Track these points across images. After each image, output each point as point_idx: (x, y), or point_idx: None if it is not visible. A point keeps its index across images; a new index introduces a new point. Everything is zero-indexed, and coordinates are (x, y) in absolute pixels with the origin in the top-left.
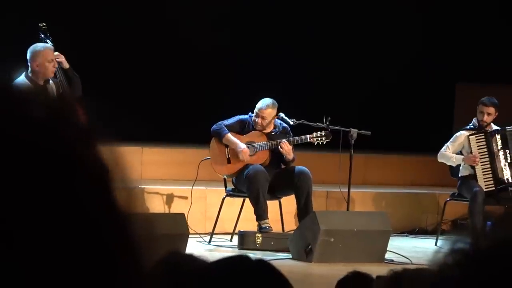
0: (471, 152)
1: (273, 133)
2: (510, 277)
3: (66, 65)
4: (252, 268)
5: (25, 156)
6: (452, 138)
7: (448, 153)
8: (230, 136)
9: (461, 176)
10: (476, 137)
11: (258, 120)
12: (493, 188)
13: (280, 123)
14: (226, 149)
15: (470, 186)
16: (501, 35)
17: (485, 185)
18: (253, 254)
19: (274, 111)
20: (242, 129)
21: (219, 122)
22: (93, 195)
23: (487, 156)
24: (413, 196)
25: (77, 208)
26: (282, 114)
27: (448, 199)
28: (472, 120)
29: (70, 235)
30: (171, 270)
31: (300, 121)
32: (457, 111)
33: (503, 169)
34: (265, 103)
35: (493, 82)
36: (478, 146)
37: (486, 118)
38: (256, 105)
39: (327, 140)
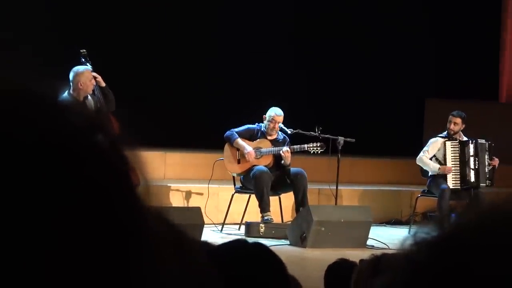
0: (444, 155)
1: (276, 140)
2: (463, 261)
3: (102, 83)
4: (250, 249)
5: (65, 157)
6: (428, 144)
7: (427, 160)
8: (239, 140)
9: (431, 175)
10: (451, 143)
11: (272, 124)
12: (459, 187)
13: (282, 134)
14: (237, 152)
15: (438, 184)
16: (467, 56)
17: (452, 184)
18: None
19: (282, 118)
20: (250, 136)
21: (231, 129)
22: (120, 191)
23: (458, 160)
24: (390, 193)
25: (106, 202)
26: (281, 125)
27: (419, 195)
28: (443, 129)
29: (100, 225)
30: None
31: (296, 130)
32: (427, 122)
33: (471, 172)
34: (279, 111)
35: (458, 98)
36: (452, 151)
37: (452, 126)
38: (269, 113)
39: (321, 150)
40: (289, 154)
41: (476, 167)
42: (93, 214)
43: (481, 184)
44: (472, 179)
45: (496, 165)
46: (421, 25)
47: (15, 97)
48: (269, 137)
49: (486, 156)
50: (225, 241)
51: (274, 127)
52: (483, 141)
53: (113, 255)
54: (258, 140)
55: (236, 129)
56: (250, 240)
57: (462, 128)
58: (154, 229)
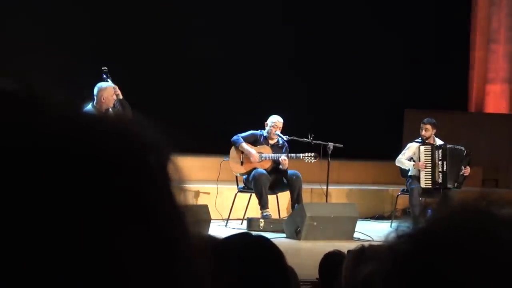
0: (419, 158)
1: (277, 145)
2: (435, 249)
3: (120, 96)
4: (254, 241)
5: (99, 161)
6: (406, 147)
7: (403, 160)
8: (244, 144)
9: (409, 175)
10: (425, 148)
11: (274, 130)
12: (430, 187)
13: (282, 139)
14: (241, 154)
15: (411, 183)
16: (441, 72)
17: (425, 184)
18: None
19: (282, 124)
20: (254, 141)
21: (238, 134)
22: (158, 191)
23: (430, 163)
24: (374, 191)
25: (145, 202)
26: (278, 132)
27: (399, 193)
28: (419, 135)
29: (143, 222)
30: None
31: (291, 137)
32: (405, 129)
33: (439, 174)
34: (279, 118)
35: (433, 108)
36: (425, 155)
37: (424, 133)
38: (271, 119)
39: (314, 160)
40: (286, 162)
41: (444, 169)
42: (141, 223)
43: (448, 185)
44: (440, 180)
45: (467, 173)
46: (400, 47)
47: (69, 119)
48: (270, 141)
49: (461, 162)
50: (231, 234)
51: (274, 132)
52: (460, 147)
53: (160, 263)
54: (260, 146)
55: (242, 134)
56: (254, 233)
57: (433, 133)
58: (191, 236)
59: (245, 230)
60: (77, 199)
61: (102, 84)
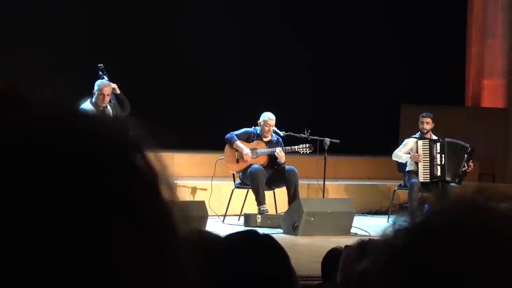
0: (417, 152)
1: (271, 142)
2: (432, 243)
3: (118, 91)
4: (259, 239)
5: (86, 161)
6: (403, 143)
7: (400, 153)
8: (238, 142)
9: (407, 170)
10: (423, 142)
11: (266, 128)
12: (428, 181)
13: (276, 135)
14: (236, 152)
15: (410, 178)
16: (438, 68)
17: (423, 178)
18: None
19: (274, 121)
20: (247, 138)
21: (231, 132)
22: (145, 189)
23: (428, 157)
24: (371, 187)
25: (133, 200)
26: (274, 128)
27: (396, 188)
28: (416, 131)
29: (131, 221)
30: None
31: (288, 133)
32: (402, 125)
33: (438, 167)
34: (271, 115)
35: (429, 103)
36: (423, 149)
37: (425, 126)
38: (262, 118)
39: (310, 151)
40: (283, 154)
41: (443, 163)
42: (121, 211)
43: (446, 178)
44: (438, 173)
45: (469, 169)
46: (397, 42)
47: (60, 118)
48: (264, 139)
49: (463, 158)
50: (238, 230)
51: (268, 130)
52: (463, 143)
53: (150, 261)
54: (254, 142)
55: (235, 132)
56: (260, 232)
57: (432, 127)
58: (179, 233)
59: (243, 227)
60: (64, 199)
61: (101, 83)
